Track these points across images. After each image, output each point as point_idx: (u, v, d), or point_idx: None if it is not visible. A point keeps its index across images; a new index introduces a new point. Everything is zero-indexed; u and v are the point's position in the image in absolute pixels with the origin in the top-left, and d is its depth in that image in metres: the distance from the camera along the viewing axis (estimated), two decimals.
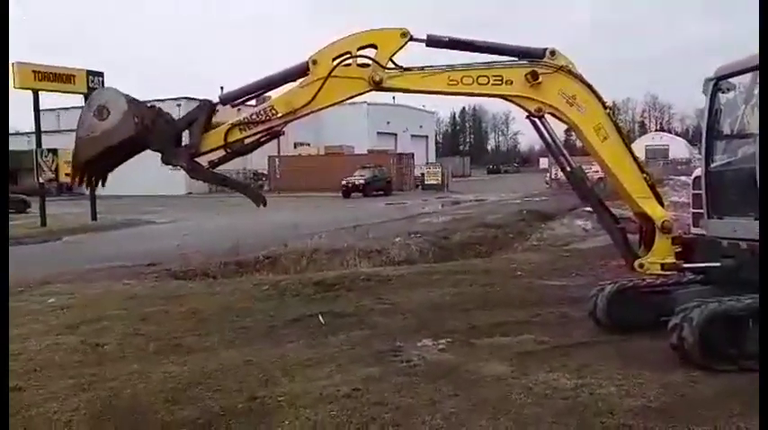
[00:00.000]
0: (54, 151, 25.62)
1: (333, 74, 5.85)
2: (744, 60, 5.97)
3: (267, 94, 6.47)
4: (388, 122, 72.38)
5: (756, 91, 5.97)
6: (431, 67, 6.05)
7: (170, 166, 6.27)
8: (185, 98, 48.85)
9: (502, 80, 6.00)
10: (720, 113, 6.53)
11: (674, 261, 6.18)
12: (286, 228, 17.43)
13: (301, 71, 6.00)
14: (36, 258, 16.20)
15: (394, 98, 64.11)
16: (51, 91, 26.25)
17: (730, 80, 6.36)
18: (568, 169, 6.46)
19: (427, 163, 62.08)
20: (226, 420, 4.69)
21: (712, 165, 6.49)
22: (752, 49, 5.78)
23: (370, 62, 5.92)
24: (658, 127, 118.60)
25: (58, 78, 25.87)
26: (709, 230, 6.41)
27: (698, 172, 6.76)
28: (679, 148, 75.41)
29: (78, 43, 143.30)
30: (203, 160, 6.26)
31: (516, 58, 6.12)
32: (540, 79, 5.92)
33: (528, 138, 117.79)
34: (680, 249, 6.24)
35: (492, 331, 6.90)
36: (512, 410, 4.67)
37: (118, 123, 5.84)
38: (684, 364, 5.38)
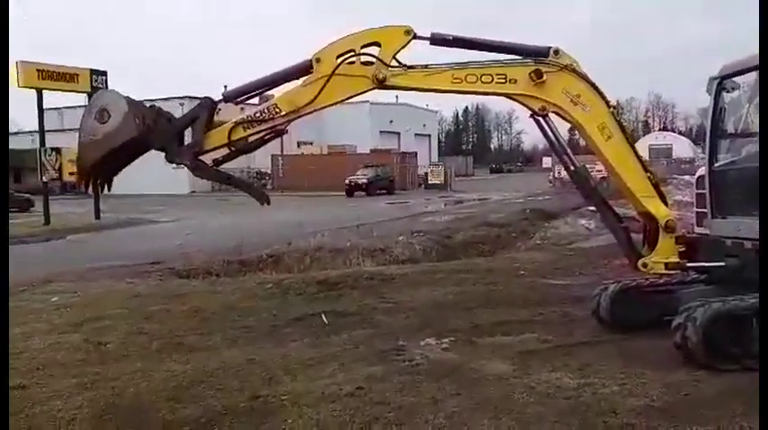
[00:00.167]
0: (57, 150, 25.68)
1: (336, 72, 5.84)
2: (748, 59, 5.94)
3: (270, 93, 6.47)
4: (391, 121, 72.35)
5: None
6: (434, 65, 6.04)
7: (174, 165, 6.27)
8: (188, 97, 48.84)
9: (506, 78, 5.99)
10: (724, 112, 6.50)
11: (678, 260, 6.17)
12: (289, 227, 17.46)
13: (304, 69, 5.99)
14: (39, 257, 16.24)
15: (397, 97, 64.12)
16: (55, 90, 26.29)
17: (734, 79, 6.34)
18: (572, 168, 6.44)
19: (430, 162, 62.10)
20: (228, 419, 4.69)
21: (716, 165, 6.47)
22: (752, 48, 5.77)
23: (373, 60, 5.91)
24: (662, 126, 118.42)
25: (62, 77, 25.92)
26: (713, 230, 6.39)
27: (702, 171, 6.73)
28: (683, 148, 75.16)
29: (78, 43, 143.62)
30: (207, 158, 6.26)
31: (520, 57, 6.10)
32: (544, 78, 5.90)
33: (531, 137, 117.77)
34: (683, 248, 6.22)
35: (495, 330, 6.89)
36: (514, 409, 4.66)
37: (119, 125, 5.84)
38: (688, 364, 5.36)
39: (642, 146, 56.01)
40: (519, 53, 6.13)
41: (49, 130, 27.55)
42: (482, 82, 5.99)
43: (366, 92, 6.14)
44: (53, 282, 10.88)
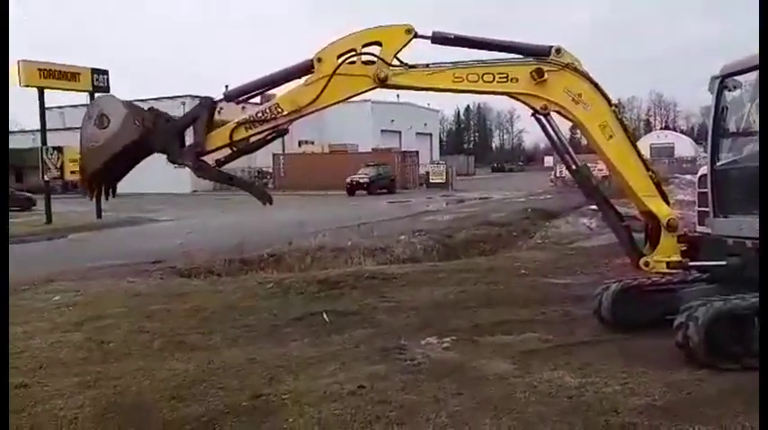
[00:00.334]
0: (59, 149, 25.69)
1: (338, 71, 5.83)
2: (749, 58, 5.93)
3: (271, 92, 6.46)
4: (393, 120, 72.33)
5: None
6: (436, 64, 6.03)
7: (176, 165, 6.28)
8: (189, 96, 48.85)
9: (507, 77, 5.98)
10: (726, 111, 6.49)
11: (680, 259, 6.16)
12: (290, 226, 17.45)
13: (306, 69, 5.99)
14: (41, 256, 16.26)
15: (398, 96, 64.09)
16: (56, 89, 26.32)
17: (736, 78, 6.33)
18: (574, 167, 6.43)
19: (431, 161, 62.05)
20: (230, 418, 4.69)
21: (718, 164, 6.47)
22: (752, 48, 5.76)
23: (374, 59, 5.91)
24: (663, 125, 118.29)
25: (63, 76, 25.96)
26: (715, 229, 6.38)
27: (703, 170, 6.73)
28: (684, 147, 75.09)
29: (78, 43, 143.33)
30: (209, 159, 6.26)
31: (521, 56, 6.10)
32: (545, 77, 5.90)
33: (533, 137, 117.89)
34: (685, 248, 6.21)
35: (496, 329, 6.89)
36: (516, 409, 4.66)
37: (119, 129, 5.86)
38: (689, 363, 5.36)
39: (644, 145, 55.91)
40: (520, 52, 6.13)
41: (50, 129, 27.57)
42: (483, 81, 5.99)
43: (367, 91, 6.13)
44: (55, 280, 10.89)
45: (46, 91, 25.53)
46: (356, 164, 46.79)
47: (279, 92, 6.24)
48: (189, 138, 6.20)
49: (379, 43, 5.91)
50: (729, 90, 6.38)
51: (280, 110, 5.96)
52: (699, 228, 6.77)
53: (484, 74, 5.97)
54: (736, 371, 5.19)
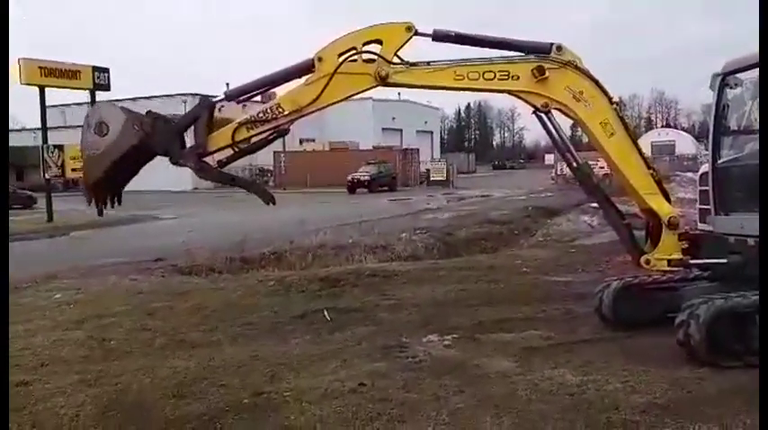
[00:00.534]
0: (60, 147, 25.70)
1: (338, 70, 5.83)
2: (751, 55, 5.92)
3: (272, 91, 6.46)
4: (393, 118, 72.35)
5: None
6: (437, 62, 6.03)
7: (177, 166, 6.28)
8: (191, 95, 48.88)
9: (508, 75, 5.97)
10: (728, 109, 6.48)
11: (681, 257, 6.15)
12: (291, 224, 17.44)
13: (306, 68, 5.98)
14: (42, 254, 16.28)
15: (399, 94, 64.17)
16: (57, 87, 26.31)
17: (737, 75, 6.32)
18: (575, 165, 6.43)
19: (432, 159, 62.04)
20: (231, 416, 4.70)
21: (719, 161, 6.46)
22: (753, 48, 5.75)
23: (375, 58, 5.90)
24: (665, 123, 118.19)
25: (64, 74, 25.95)
26: (716, 227, 6.38)
27: (705, 168, 6.72)
28: (686, 144, 75.04)
29: (78, 43, 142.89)
30: (210, 159, 6.26)
31: (522, 54, 6.09)
32: (546, 74, 5.89)
33: (533, 134, 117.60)
34: (686, 245, 6.21)
35: (497, 327, 6.90)
36: (517, 406, 4.66)
37: (119, 135, 5.89)
38: (691, 361, 5.36)
39: (645, 142, 55.79)
40: (521, 50, 6.12)
41: (51, 127, 27.59)
42: (484, 79, 5.98)
43: (368, 89, 6.13)
44: (56, 278, 10.91)
45: (47, 89, 25.51)
46: (357, 161, 46.78)
47: (280, 91, 6.24)
48: (189, 139, 6.20)
49: (379, 41, 5.91)
50: (731, 88, 6.36)
51: (281, 110, 5.96)
52: (700, 226, 6.76)
53: (485, 72, 5.97)
54: (737, 370, 5.19)
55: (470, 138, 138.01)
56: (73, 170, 25.29)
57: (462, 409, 4.65)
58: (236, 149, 6.12)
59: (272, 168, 53.44)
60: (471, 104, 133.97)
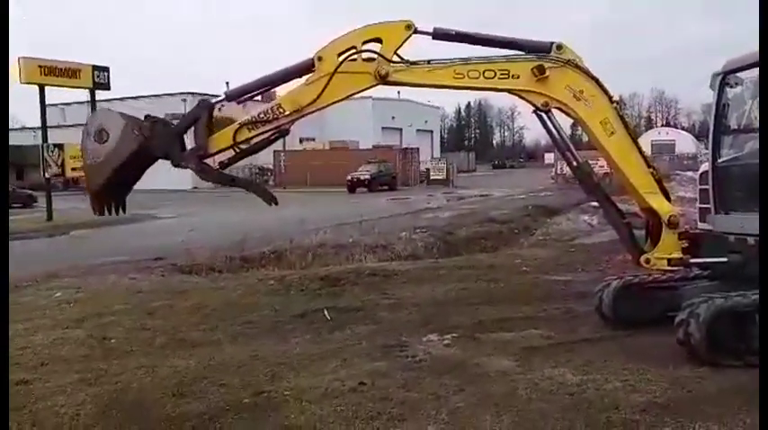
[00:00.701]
0: (60, 146, 25.69)
1: (338, 69, 5.83)
2: (751, 54, 5.91)
3: (272, 91, 6.46)
4: (393, 117, 72.28)
5: None
6: (437, 60, 6.03)
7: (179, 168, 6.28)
8: (190, 93, 48.85)
9: (508, 74, 5.97)
10: (728, 108, 6.48)
11: (681, 256, 6.15)
12: (291, 223, 17.43)
13: (306, 68, 5.98)
14: (42, 253, 16.28)
15: (399, 93, 64.18)
16: (57, 86, 26.30)
17: (738, 74, 6.31)
18: (575, 164, 6.42)
19: (432, 158, 62.02)
20: (231, 415, 4.70)
21: (719, 161, 6.46)
22: (753, 48, 5.74)
23: (375, 57, 5.90)
24: (665, 122, 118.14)
25: (64, 73, 25.94)
26: (716, 226, 6.38)
27: (705, 167, 6.72)
28: (686, 143, 75.03)
29: (78, 43, 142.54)
30: (212, 161, 6.26)
31: (522, 52, 6.09)
32: (546, 73, 5.89)
33: (533, 133, 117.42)
34: (686, 244, 6.21)
35: (497, 326, 6.89)
36: (517, 406, 4.66)
37: (119, 141, 5.90)
38: (691, 360, 5.36)
39: (645, 141, 55.84)
40: (521, 48, 6.11)
41: (51, 126, 27.58)
42: (485, 77, 5.97)
43: (369, 88, 6.13)
44: (56, 277, 10.90)
45: (47, 88, 25.50)
46: (357, 161, 46.77)
47: (280, 91, 6.24)
48: (189, 141, 6.20)
49: (379, 40, 5.91)
50: (731, 87, 6.36)
51: (282, 110, 5.96)
52: (700, 225, 6.77)
53: (485, 70, 5.96)
54: (737, 369, 5.19)
55: (470, 138, 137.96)
56: (73, 169, 25.29)
57: (462, 408, 4.65)
58: (238, 150, 6.12)
59: (271, 167, 53.42)
60: (471, 103, 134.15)
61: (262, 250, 13.84)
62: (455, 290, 9.01)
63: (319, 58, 5.89)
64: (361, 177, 43.30)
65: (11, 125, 56.92)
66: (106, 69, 27.36)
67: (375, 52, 5.88)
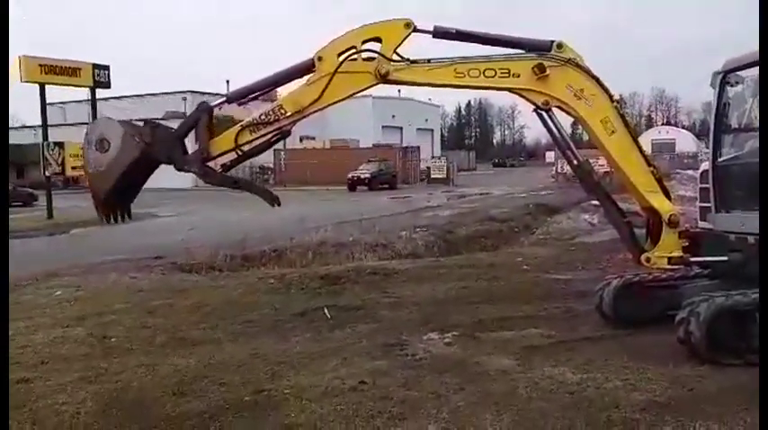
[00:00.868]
0: (60, 144, 25.68)
1: (339, 69, 5.82)
2: (751, 53, 5.91)
3: (273, 91, 6.46)
4: (394, 116, 72.23)
5: None
6: (437, 59, 6.02)
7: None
8: (190, 92, 48.83)
9: (509, 73, 5.96)
10: (728, 107, 6.48)
11: (681, 255, 6.16)
12: (292, 222, 17.43)
13: (306, 68, 5.97)
14: (43, 251, 16.29)
15: (399, 91, 64.14)
16: (57, 84, 26.28)
17: (738, 73, 6.31)
18: (575, 163, 6.42)
19: (433, 157, 61.98)
20: (231, 413, 4.70)
21: (720, 159, 6.46)
22: (753, 47, 5.74)
23: (375, 56, 5.89)
24: (665, 121, 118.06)
25: (64, 72, 25.90)
26: (717, 224, 6.38)
27: (705, 166, 6.72)
28: (686, 142, 75.06)
29: (78, 43, 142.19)
30: (213, 163, 6.25)
31: (523, 51, 6.08)
32: (547, 72, 5.88)
33: (534, 132, 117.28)
34: (687, 243, 6.21)
35: (498, 325, 6.90)
36: (517, 404, 4.66)
37: (120, 149, 5.91)
38: (691, 359, 5.37)
39: (645, 140, 55.94)
40: (521, 47, 6.11)
41: (51, 125, 27.53)
42: (485, 76, 5.97)
43: (369, 88, 6.12)
44: (56, 276, 10.90)
45: (47, 86, 25.49)
46: (357, 159, 46.73)
47: (281, 91, 6.24)
48: (190, 144, 6.19)
49: (379, 39, 5.90)
50: (731, 86, 6.36)
51: (283, 111, 5.96)
52: (700, 224, 6.77)
53: (485, 69, 5.96)
54: (737, 367, 5.20)
55: (471, 136, 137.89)
56: (73, 167, 25.27)
57: (463, 407, 4.65)
58: (240, 152, 6.12)
59: (272, 166, 53.39)
60: (472, 102, 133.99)
61: (262, 248, 13.83)
62: (455, 288, 9.01)
63: (319, 59, 5.88)
64: (362, 176, 43.25)
65: (11, 124, 56.95)
66: (106, 68, 27.33)
67: (375, 51, 5.88)
